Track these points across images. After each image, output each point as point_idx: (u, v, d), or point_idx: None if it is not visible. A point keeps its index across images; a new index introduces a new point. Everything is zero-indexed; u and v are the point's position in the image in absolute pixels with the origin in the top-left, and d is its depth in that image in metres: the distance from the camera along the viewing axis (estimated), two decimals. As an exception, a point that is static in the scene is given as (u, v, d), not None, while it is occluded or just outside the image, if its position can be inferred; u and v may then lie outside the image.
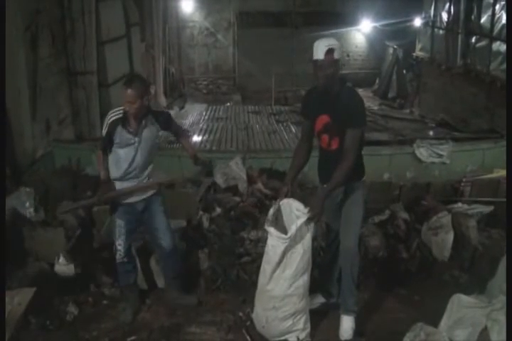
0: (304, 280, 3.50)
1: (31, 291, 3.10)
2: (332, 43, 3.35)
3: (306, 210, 3.40)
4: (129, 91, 3.63)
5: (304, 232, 3.41)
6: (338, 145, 3.51)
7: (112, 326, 3.95)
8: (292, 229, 3.34)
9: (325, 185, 3.56)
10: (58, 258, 4.44)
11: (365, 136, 3.69)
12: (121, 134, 3.75)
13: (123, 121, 3.74)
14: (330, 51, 3.33)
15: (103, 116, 9.46)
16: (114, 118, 3.74)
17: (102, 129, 3.84)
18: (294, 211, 3.51)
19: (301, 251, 3.43)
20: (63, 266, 4.43)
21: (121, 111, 3.74)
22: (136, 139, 3.80)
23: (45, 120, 7.65)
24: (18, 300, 2.95)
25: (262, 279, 3.58)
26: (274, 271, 3.46)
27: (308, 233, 3.40)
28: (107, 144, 3.81)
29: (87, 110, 9.04)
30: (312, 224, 3.42)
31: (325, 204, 3.49)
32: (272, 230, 3.43)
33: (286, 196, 3.61)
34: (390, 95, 16.71)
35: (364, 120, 3.52)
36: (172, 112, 12.89)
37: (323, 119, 3.55)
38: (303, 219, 3.35)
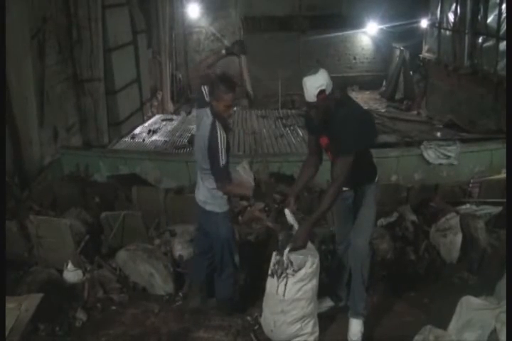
0: (313, 284, 3.48)
1: (39, 297, 3.11)
2: (321, 83, 3.25)
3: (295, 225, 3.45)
4: (233, 94, 3.51)
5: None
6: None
7: (121, 332, 3.95)
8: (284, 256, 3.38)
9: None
10: (67, 265, 4.47)
11: (377, 139, 3.68)
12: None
13: (227, 128, 3.63)
14: (321, 92, 3.27)
15: (110, 122, 9.63)
16: (222, 130, 3.56)
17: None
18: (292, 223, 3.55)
19: (309, 258, 3.43)
20: (72, 272, 4.45)
21: (218, 123, 3.56)
22: None
23: (52, 127, 7.72)
24: (26, 306, 2.96)
25: (269, 283, 3.58)
26: (281, 275, 3.45)
27: (314, 240, 3.41)
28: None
29: (95, 117, 9.11)
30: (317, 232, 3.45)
31: (336, 207, 3.49)
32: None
33: (289, 207, 3.62)
34: (397, 97, 16.67)
35: (354, 147, 3.37)
36: (179, 117, 12.95)
37: (325, 140, 3.54)
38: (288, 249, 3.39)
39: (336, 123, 3.37)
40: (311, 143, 3.79)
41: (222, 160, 3.54)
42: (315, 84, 3.26)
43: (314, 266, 3.45)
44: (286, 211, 3.56)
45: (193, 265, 4.36)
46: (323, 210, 3.46)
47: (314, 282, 3.49)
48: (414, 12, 15.21)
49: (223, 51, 3.83)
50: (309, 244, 3.48)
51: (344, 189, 3.58)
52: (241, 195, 3.71)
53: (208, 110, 3.63)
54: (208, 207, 3.80)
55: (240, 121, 12.48)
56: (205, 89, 3.66)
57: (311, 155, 3.79)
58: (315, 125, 3.55)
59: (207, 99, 3.63)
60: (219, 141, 3.53)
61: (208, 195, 3.78)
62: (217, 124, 3.56)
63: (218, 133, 3.54)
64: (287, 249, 3.38)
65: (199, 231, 4.13)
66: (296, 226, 3.50)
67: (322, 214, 3.55)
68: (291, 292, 3.44)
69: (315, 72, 3.29)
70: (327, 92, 3.29)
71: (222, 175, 3.61)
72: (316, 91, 3.26)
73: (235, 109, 14.56)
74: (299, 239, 3.41)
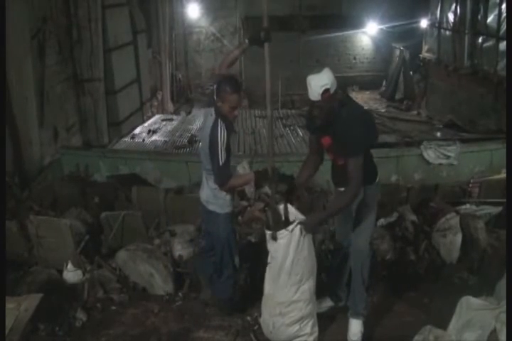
0: (310, 284, 3.48)
1: (38, 297, 3.11)
2: (326, 82, 3.24)
3: (300, 216, 3.42)
4: (237, 96, 3.52)
5: (306, 238, 3.41)
6: (344, 162, 3.48)
7: (121, 332, 3.95)
8: (284, 232, 3.34)
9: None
10: (67, 265, 4.47)
11: (377, 139, 3.67)
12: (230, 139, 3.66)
13: (231, 129, 3.63)
14: (326, 90, 3.26)
15: (110, 122, 9.63)
16: (225, 129, 3.56)
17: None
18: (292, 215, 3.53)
19: (306, 256, 3.42)
20: (72, 272, 4.45)
21: (221, 122, 3.56)
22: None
23: (52, 127, 7.72)
24: (25, 306, 2.97)
25: (267, 285, 3.57)
26: (279, 277, 3.45)
27: (307, 238, 3.40)
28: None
29: (95, 117, 9.11)
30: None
31: None
32: (267, 232, 3.43)
33: (290, 203, 3.61)
34: (397, 97, 16.65)
35: (361, 147, 3.40)
36: (179, 117, 12.94)
37: (327, 140, 3.52)
38: (295, 223, 3.36)
39: (340, 124, 3.36)
40: (312, 143, 3.78)
41: (222, 159, 3.53)
42: (319, 83, 3.25)
43: (310, 265, 3.45)
44: (289, 206, 3.55)
45: (197, 262, 4.40)
46: (338, 208, 3.47)
47: (311, 282, 3.48)
48: (414, 12, 15.20)
49: (246, 41, 3.74)
50: (310, 245, 3.47)
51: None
52: (245, 184, 3.63)
53: (213, 110, 3.64)
54: (211, 207, 3.81)
55: (240, 121, 12.46)
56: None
57: (311, 154, 3.79)
58: (317, 125, 3.54)
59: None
60: (219, 138, 3.52)
61: (210, 194, 3.78)
62: (220, 123, 3.56)
63: (219, 131, 3.53)
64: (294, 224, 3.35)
65: (203, 230, 4.15)
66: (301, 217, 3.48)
67: (335, 212, 3.54)
68: (288, 294, 3.44)
69: (319, 70, 3.29)
70: (331, 91, 3.28)
71: (221, 173, 3.59)
72: (321, 90, 3.25)
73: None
74: (310, 224, 3.37)
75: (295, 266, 3.37)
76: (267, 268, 3.54)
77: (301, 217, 3.44)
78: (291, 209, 3.53)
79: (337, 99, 3.36)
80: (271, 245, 3.44)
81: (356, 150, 3.36)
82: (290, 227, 3.33)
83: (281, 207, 3.56)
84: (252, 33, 3.71)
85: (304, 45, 17.36)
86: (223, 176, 3.60)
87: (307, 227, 3.35)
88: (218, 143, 3.52)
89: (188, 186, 7.03)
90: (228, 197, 3.77)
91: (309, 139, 3.94)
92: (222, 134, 3.53)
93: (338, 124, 3.37)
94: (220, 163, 3.54)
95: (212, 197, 3.77)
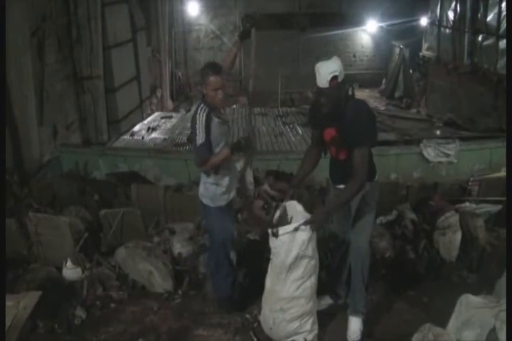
0: (312, 282, 3.49)
1: (37, 295, 3.11)
2: (335, 69, 3.26)
3: (306, 214, 3.41)
4: (217, 77, 3.52)
5: (313, 234, 3.40)
6: (346, 156, 3.49)
7: (120, 329, 3.96)
8: (290, 227, 3.33)
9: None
10: (66, 262, 4.47)
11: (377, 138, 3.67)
12: (219, 128, 3.64)
13: (215, 112, 3.62)
14: (334, 78, 3.27)
15: (110, 120, 9.62)
16: (205, 112, 3.56)
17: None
18: (298, 214, 3.51)
19: (310, 253, 3.42)
20: (71, 270, 4.45)
21: (203, 106, 3.59)
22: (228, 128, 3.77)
23: (52, 125, 7.71)
24: (24, 304, 2.97)
25: (268, 281, 3.58)
26: (281, 273, 3.45)
27: (314, 235, 3.40)
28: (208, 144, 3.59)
29: (94, 115, 9.10)
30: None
31: None
32: (270, 231, 3.43)
33: (292, 198, 3.62)
34: (396, 95, 16.62)
35: (370, 139, 3.43)
36: (178, 115, 12.93)
37: (330, 132, 3.51)
38: (302, 221, 3.35)
39: (349, 115, 3.36)
40: (314, 137, 3.78)
41: (200, 139, 3.53)
42: (328, 69, 3.27)
43: (313, 262, 3.45)
44: (294, 203, 3.55)
45: (203, 257, 4.50)
46: (343, 201, 3.46)
47: (313, 280, 3.49)
48: (414, 10, 15.18)
49: (237, 39, 3.87)
50: (314, 243, 3.46)
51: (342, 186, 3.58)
52: (223, 159, 3.64)
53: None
54: (204, 200, 3.85)
55: (239, 119, 12.45)
56: None
57: (312, 147, 3.80)
58: (319, 118, 3.54)
59: None
60: (197, 120, 3.55)
61: (203, 187, 3.84)
62: (201, 106, 3.60)
63: (198, 113, 3.57)
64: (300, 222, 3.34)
65: (203, 228, 4.17)
66: (306, 215, 3.47)
67: (341, 205, 3.52)
68: (290, 290, 3.45)
69: (328, 58, 3.32)
70: (339, 79, 3.29)
71: (198, 153, 3.60)
72: (329, 77, 3.26)
73: (234, 106, 14.51)
74: (316, 221, 3.36)
75: (298, 262, 3.37)
76: (269, 264, 3.55)
77: (306, 214, 3.44)
78: (296, 206, 3.54)
79: (345, 89, 3.36)
80: (272, 241, 3.44)
81: (365, 140, 3.37)
82: (294, 225, 3.33)
83: (286, 204, 3.56)
84: (242, 30, 3.96)
85: (303, 43, 17.34)
86: (201, 157, 3.60)
87: (314, 225, 3.35)
88: (197, 124, 3.55)
89: (187, 184, 7.03)
90: (219, 190, 3.77)
91: (312, 134, 3.92)
92: (201, 116, 3.55)
93: (346, 115, 3.37)
94: (198, 143, 3.54)
95: (204, 190, 3.82)
